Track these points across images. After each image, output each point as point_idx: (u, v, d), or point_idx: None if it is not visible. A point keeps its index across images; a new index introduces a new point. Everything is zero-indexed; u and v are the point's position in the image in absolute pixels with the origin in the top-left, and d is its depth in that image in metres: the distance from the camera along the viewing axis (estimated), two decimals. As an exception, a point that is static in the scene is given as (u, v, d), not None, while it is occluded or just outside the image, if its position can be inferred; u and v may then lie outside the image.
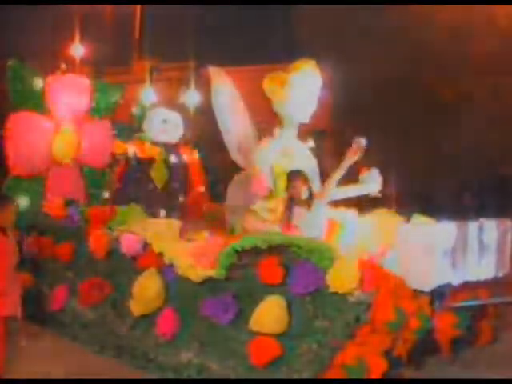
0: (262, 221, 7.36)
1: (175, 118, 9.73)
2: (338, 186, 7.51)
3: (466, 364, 6.60)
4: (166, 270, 6.97)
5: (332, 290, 5.82)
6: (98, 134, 9.64)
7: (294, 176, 7.35)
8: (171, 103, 11.82)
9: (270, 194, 7.59)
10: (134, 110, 10.69)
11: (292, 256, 6.15)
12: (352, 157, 7.16)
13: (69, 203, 8.71)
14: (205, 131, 11.04)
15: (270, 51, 14.71)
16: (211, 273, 6.49)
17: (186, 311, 6.79)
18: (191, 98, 13.46)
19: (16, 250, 6.38)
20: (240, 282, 6.44)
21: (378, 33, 15.38)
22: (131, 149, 9.42)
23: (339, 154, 7.47)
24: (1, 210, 6.31)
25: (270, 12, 16.56)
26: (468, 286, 5.94)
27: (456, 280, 5.80)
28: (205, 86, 10.16)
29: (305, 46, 14.79)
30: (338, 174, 7.23)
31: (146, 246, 7.25)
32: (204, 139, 11.48)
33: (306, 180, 7.35)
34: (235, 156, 8.27)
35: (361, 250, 6.49)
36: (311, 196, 7.31)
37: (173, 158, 9.51)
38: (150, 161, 9.33)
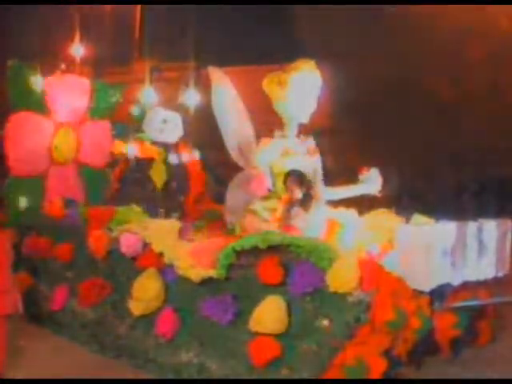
0: (262, 221, 7.36)
1: (175, 117, 9.72)
2: (337, 186, 7.55)
3: (466, 364, 6.61)
4: (165, 270, 6.99)
5: (332, 289, 5.83)
6: (97, 134, 9.65)
7: (291, 176, 7.39)
8: (171, 103, 11.78)
9: (270, 194, 7.59)
10: (134, 110, 10.67)
11: (292, 256, 6.16)
12: (314, 157, 7.52)
13: (68, 203, 8.72)
14: (204, 131, 11.03)
15: (270, 51, 14.67)
16: (211, 273, 6.50)
17: (186, 311, 6.81)
18: (191, 97, 13.44)
19: (12, 248, 6.38)
20: (240, 282, 6.45)
21: (379, 32, 15.37)
22: (131, 149, 9.40)
23: (339, 154, 7.52)
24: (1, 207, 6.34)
25: (269, 12, 16.54)
26: (468, 286, 5.95)
27: (456, 280, 5.81)
28: (205, 86, 10.15)
29: (305, 46, 14.78)
30: (319, 176, 7.44)
31: (145, 246, 7.27)
32: (204, 139, 11.47)
33: (303, 181, 7.38)
34: (235, 156, 8.25)
35: (360, 249, 6.49)
36: (309, 196, 7.33)
37: (172, 158, 9.50)
38: (150, 161, 9.32)
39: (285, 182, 7.41)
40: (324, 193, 7.69)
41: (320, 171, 7.76)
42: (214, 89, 8.24)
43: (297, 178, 7.38)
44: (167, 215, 8.84)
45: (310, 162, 7.91)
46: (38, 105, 9.07)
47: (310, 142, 7.79)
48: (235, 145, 8.15)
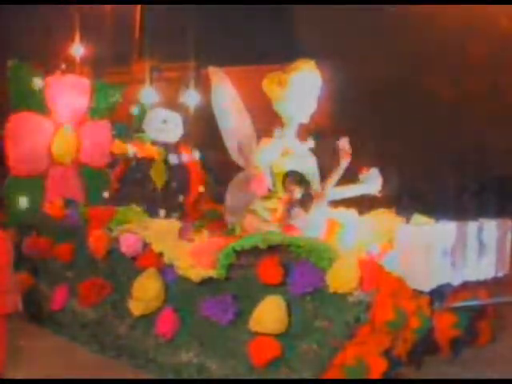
0: (262, 221, 7.36)
1: (175, 117, 9.72)
2: (337, 185, 7.54)
3: (466, 364, 6.62)
4: (165, 270, 6.99)
5: (332, 289, 5.83)
6: (97, 134, 9.65)
7: (290, 177, 7.40)
8: (171, 103, 11.80)
9: (270, 194, 7.59)
10: (134, 110, 10.69)
11: (292, 256, 6.16)
12: (346, 160, 7.36)
13: (68, 203, 8.72)
14: (205, 131, 11.05)
15: (270, 51, 14.69)
16: (211, 273, 6.50)
17: (186, 311, 6.80)
18: (191, 97, 13.46)
19: (12, 248, 6.38)
20: (240, 282, 6.45)
21: (378, 32, 15.38)
22: (131, 149, 9.40)
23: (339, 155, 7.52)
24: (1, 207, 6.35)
25: (269, 12, 16.56)
26: (467, 286, 5.95)
27: (456, 280, 5.80)
28: (205, 86, 10.17)
29: (305, 46, 14.79)
30: (336, 176, 7.38)
31: (145, 246, 7.27)
32: (204, 139, 11.49)
33: (301, 181, 7.39)
34: (235, 156, 8.26)
35: (360, 249, 6.48)
36: (309, 197, 7.33)
37: (173, 158, 9.50)
38: (150, 161, 9.32)
39: (284, 183, 7.42)
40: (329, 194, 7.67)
41: (340, 173, 7.68)
42: (214, 89, 8.25)
43: (295, 178, 7.38)
44: (167, 215, 8.84)
45: (309, 162, 7.92)
46: (38, 105, 9.08)
47: (344, 143, 7.70)
48: (235, 145, 8.15)
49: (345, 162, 7.45)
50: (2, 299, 6.02)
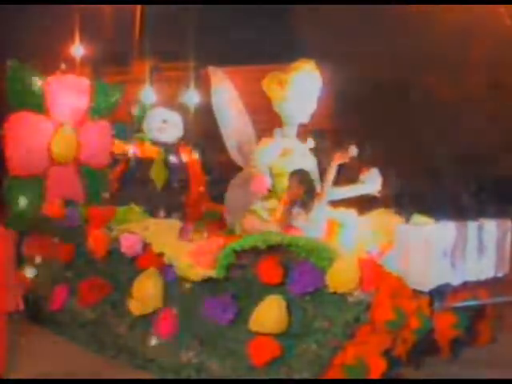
0: (262, 221, 7.36)
1: (175, 117, 9.73)
2: (338, 186, 7.54)
3: (466, 364, 6.61)
4: (165, 269, 6.99)
5: (331, 289, 5.83)
6: (97, 134, 9.64)
7: (296, 176, 7.39)
8: (171, 103, 11.79)
9: (270, 194, 7.59)
10: (134, 110, 10.67)
11: (291, 256, 6.16)
12: (337, 162, 7.39)
13: (68, 203, 8.72)
14: (204, 131, 11.04)
15: (270, 51, 14.67)
16: (211, 273, 6.49)
17: (186, 311, 6.80)
18: (191, 97, 13.44)
19: (14, 246, 6.38)
20: (239, 281, 6.45)
21: (379, 32, 15.37)
22: (131, 149, 9.41)
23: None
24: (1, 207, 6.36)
25: (269, 12, 16.53)
26: (467, 286, 5.94)
27: (455, 280, 5.80)
28: (205, 85, 10.16)
29: (305, 45, 14.77)
30: (330, 176, 7.37)
31: (145, 246, 7.26)
32: (204, 139, 11.48)
33: (306, 180, 7.38)
34: (235, 156, 8.27)
35: (360, 249, 6.48)
36: (310, 197, 7.33)
37: (172, 158, 9.51)
38: (150, 161, 9.33)
39: (289, 181, 7.41)
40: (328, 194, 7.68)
41: (333, 172, 7.70)
42: (214, 89, 8.26)
43: (301, 177, 7.38)
44: (167, 215, 8.84)
45: (309, 162, 7.92)
46: (38, 105, 9.06)
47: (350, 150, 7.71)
48: (235, 145, 8.18)
49: (335, 164, 7.47)
50: (4, 297, 6.02)
